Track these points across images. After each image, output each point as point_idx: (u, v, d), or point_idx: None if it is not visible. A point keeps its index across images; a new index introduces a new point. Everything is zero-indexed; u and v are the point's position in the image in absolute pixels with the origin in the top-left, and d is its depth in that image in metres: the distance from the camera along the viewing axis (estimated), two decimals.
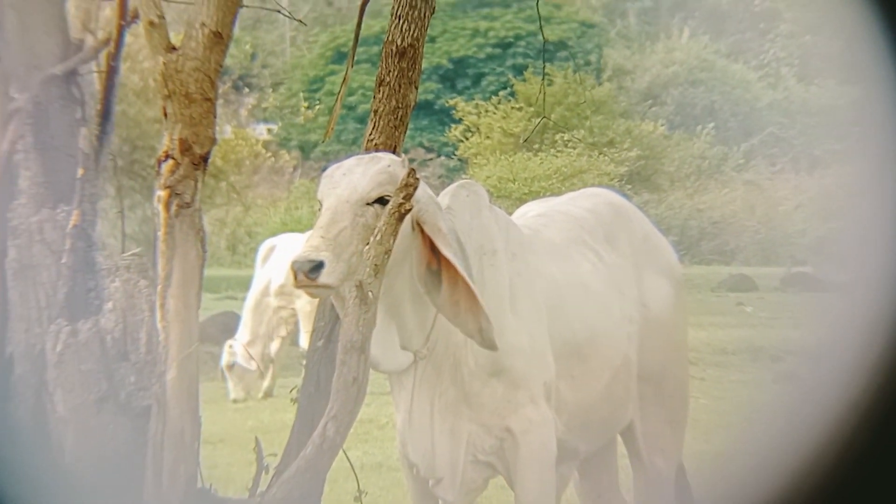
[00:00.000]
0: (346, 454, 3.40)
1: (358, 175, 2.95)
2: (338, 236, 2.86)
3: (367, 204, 2.93)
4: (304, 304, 9.42)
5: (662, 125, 20.12)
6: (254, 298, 9.46)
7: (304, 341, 9.40)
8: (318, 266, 2.81)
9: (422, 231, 2.99)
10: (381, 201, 2.93)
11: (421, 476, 3.14)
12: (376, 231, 2.88)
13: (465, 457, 3.10)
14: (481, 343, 2.97)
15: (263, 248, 9.72)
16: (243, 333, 9.35)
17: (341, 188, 2.93)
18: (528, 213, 3.62)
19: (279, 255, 9.51)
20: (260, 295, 9.45)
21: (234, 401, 9.00)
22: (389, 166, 2.97)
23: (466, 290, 2.93)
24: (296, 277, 2.83)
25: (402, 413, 3.13)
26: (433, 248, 2.98)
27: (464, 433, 3.09)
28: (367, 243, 2.87)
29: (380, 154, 3.09)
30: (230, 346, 9.20)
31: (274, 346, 9.68)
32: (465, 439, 3.09)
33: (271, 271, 9.48)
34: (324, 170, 3.08)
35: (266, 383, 9.45)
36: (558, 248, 3.38)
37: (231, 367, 9.18)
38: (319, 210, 2.98)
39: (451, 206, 3.13)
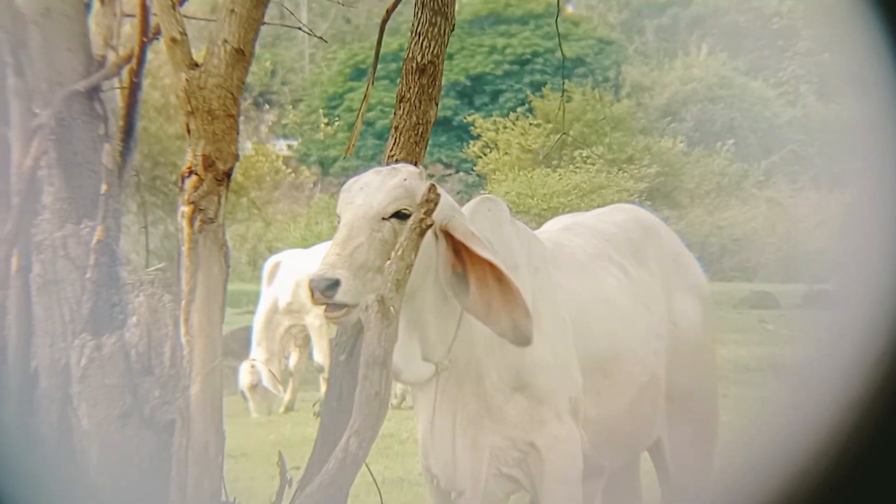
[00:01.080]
0: (368, 468, 3.39)
1: (374, 189, 2.94)
2: (354, 253, 2.85)
3: (384, 219, 2.92)
4: (314, 320, 9.42)
5: (681, 142, 20.11)
6: (264, 316, 9.38)
7: (317, 356, 9.41)
8: (334, 284, 2.81)
9: (447, 238, 2.98)
10: (399, 215, 2.91)
11: (442, 488, 3.12)
12: (398, 246, 2.87)
13: (488, 470, 3.08)
14: (514, 340, 2.94)
15: (269, 265, 9.63)
16: (258, 352, 9.30)
17: (358, 203, 2.93)
18: (554, 227, 3.61)
19: (284, 271, 9.52)
20: (270, 312, 9.42)
21: (257, 420, 8.98)
22: (406, 180, 2.95)
23: (500, 289, 2.91)
24: (313, 295, 2.83)
25: (424, 424, 3.11)
26: (456, 253, 2.97)
27: (486, 446, 3.07)
28: (387, 259, 2.85)
29: (398, 166, 3.08)
30: (252, 367, 9.15)
31: (291, 360, 9.67)
32: (487, 452, 3.07)
33: (278, 289, 9.47)
34: (342, 184, 3.08)
35: (287, 397, 9.45)
36: (582, 263, 3.36)
37: (254, 387, 9.14)
38: (339, 224, 2.98)
39: (473, 220, 3.11)
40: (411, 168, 3.04)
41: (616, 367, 3.30)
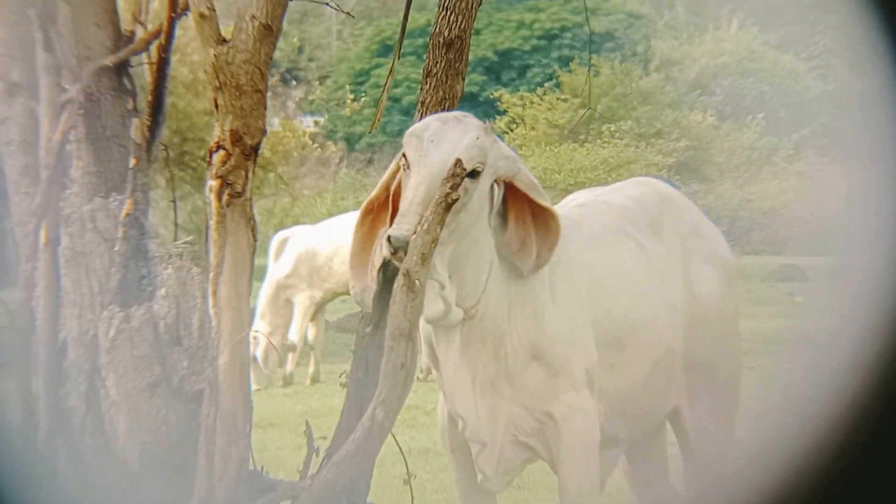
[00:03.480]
0: (395, 438, 3.42)
1: (449, 146, 2.92)
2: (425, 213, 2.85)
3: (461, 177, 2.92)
4: (303, 299, 9.50)
5: (711, 115, 19.97)
6: (270, 290, 9.44)
7: (292, 333, 9.48)
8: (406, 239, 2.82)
9: (507, 188, 3.03)
10: (472, 174, 2.92)
11: (467, 436, 3.10)
12: (423, 220, 2.89)
13: (504, 436, 3.09)
14: (528, 270, 3.04)
15: (276, 241, 9.70)
16: (261, 325, 9.31)
17: (434, 160, 2.90)
18: (570, 203, 3.62)
19: (291, 246, 9.57)
20: (275, 287, 9.47)
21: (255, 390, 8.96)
22: (478, 139, 2.95)
23: (535, 226, 3.02)
24: (394, 253, 2.83)
25: (448, 371, 3.09)
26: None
27: (503, 412, 3.08)
28: (455, 215, 2.86)
29: (462, 116, 3.05)
30: (254, 338, 9.20)
31: (309, 334, 9.69)
32: (504, 419, 3.08)
33: (282, 262, 9.53)
34: (410, 128, 3.01)
35: (311, 369, 9.52)
36: (597, 237, 3.36)
37: (253, 358, 9.18)
38: (405, 167, 2.96)
39: None
40: (477, 122, 3.03)
41: (631, 340, 3.31)
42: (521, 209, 3.04)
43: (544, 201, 3.02)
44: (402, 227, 2.82)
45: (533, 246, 3.02)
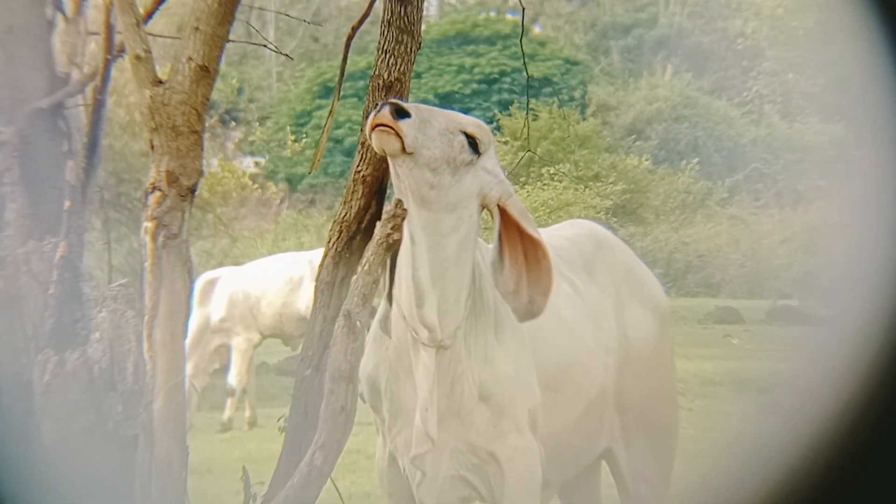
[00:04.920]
0: (334, 483, 3.39)
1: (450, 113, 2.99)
2: (426, 120, 2.86)
3: (461, 131, 2.94)
4: (241, 343, 9.42)
5: (647, 160, 20.23)
6: (196, 332, 9.24)
7: (231, 378, 9.39)
8: (406, 114, 2.81)
9: (501, 215, 2.99)
10: (471, 142, 2.94)
11: (415, 464, 3.05)
12: (364, 261, 2.89)
13: (447, 470, 3.07)
14: (524, 314, 2.99)
15: (201, 282, 9.46)
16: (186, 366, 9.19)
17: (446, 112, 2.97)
18: None
19: (221, 287, 9.48)
20: (201, 329, 9.33)
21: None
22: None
23: (527, 267, 2.97)
24: (379, 111, 2.80)
25: (423, 392, 2.99)
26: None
27: (447, 447, 3.06)
28: (446, 148, 2.86)
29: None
30: None
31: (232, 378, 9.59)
32: (447, 453, 3.06)
33: (214, 305, 9.44)
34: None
35: (248, 413, 9.41)
36: None
37: None
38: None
39: None
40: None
41: (565, 381, 3.31)
42: (514, 247, 2.99)
43: (534, 232, 2.99)
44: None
45: (524, 289, 2.97)
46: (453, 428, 3.06)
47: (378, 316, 3.14)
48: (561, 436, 3.30)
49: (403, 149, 2.82)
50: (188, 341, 9.65)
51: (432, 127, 2.87)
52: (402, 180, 2.93)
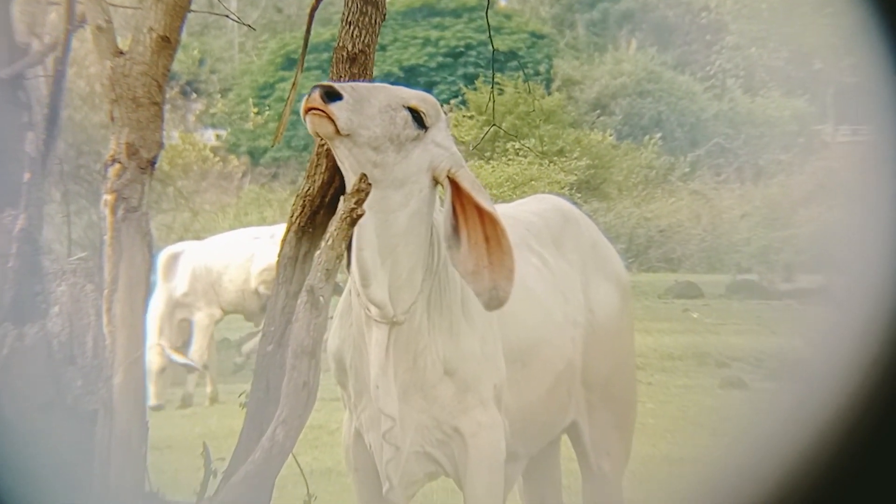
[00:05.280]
0: (295, 459, 3.39)
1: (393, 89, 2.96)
2: (363, 99, 2.83)
3: (404, 106, 2.90)
4: (202, 318, 9.40)
5: (611, 135, 20.31)
6: (164, 306, 9.25)
7: (193, 353, 9.35)
8: (336, 96, 2.79)
9: (452, 187, 2.95)
10: (416, 117, 2.90)
11: (386, 439, 3.02)
12: (327, 236, 2.87)
13: (411, 446, 3.07)
14: (488, 301, 2.93)
15: (164, 256, 9.41)
16: (161, 340, 9.14)
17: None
18: None
19: (184, 262, 9.43)
20: (170, 303, 9.31)
21: (155, 408, 8.66)
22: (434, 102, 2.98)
23: (487, 248, 2.92)
24: (310, 94, 2.79)
25: (376, 370, 2.99)
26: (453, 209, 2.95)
27: (411, 422, 3.05)
28: (387, 126, 2.83)
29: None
30: (161, 350, 9.01)
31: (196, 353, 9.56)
32: (411, 429, 3.06)
33: (176, 281, 9.38)
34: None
35: (209, 389, 9.38)
36: None
37: (162, 371, 9.02)
38: None
39: None
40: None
41: (534, 356, 3.32)
42: (473, 226, 2.95)
43: (488, 205, 2.94)
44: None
45: (486, 272, 2.92)
46: (417, 402, 3.07)
47: (345, 291, 3.13)
48: (529, 409, 3.31)
49: (338, 131, 2.81)
50: (158, 317, 9.65)
51: (371, 105, 2.85)
52: (342, 161, 2.92)
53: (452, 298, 3.09)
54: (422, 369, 3.05)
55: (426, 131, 2.95)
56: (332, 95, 2.79)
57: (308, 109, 2.81)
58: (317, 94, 2.79)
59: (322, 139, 2.90)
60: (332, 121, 2.79)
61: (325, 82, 2.84)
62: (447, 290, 3.08)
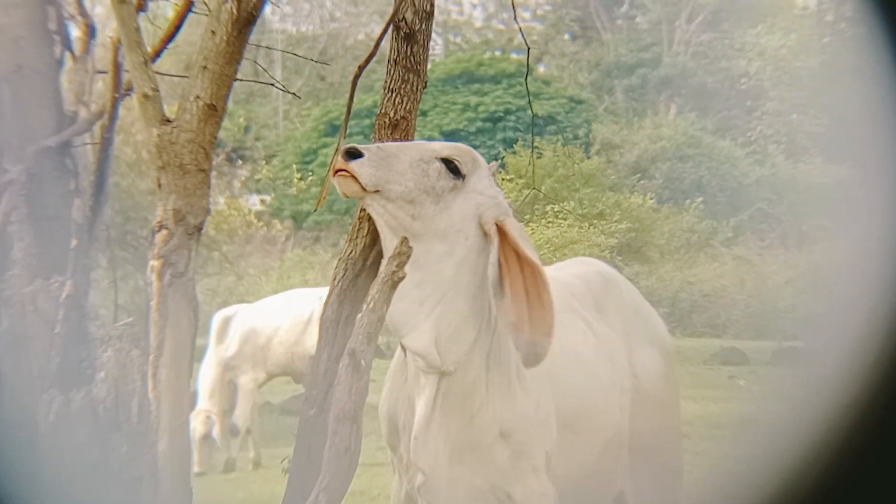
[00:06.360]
0: None
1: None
2: (390, 155, 2.85)
3: (437, 158, 2.92)
4: (247, 381, 9.38)
5: (651, 198, 20.28)
6: (217, 369, 9.26)
7: (236, 417, 9.33)
8: (357, 154, 2.82)
9: (499, 236, 2.92)
10: (451, 166, 2.92)
11: (419, 494, 2.96)
12: (369, 298, 2.87)
13: None
14: (526, 356, 2.87)
15: (218, 319, 9.48)
16: (210, 404, 9.13)
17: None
18: None
19: (235, 325, 9.46)
20: (220, 367, 9.32)
21: (199, 474, 8.57)
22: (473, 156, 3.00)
23: (528, 302, 2.88)
24: (336, 159, 2.84)
25: (420, 422, 2.93)
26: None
27: (463, 483, 3.00)
28: (422, 188, 2.85)
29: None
30: (207, 417, 9.01)
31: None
32: (463, 490, 3.00)
33: (227, 342, 9.41)
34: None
35: (252, 453, 9.34)
36: None
37: (205, 438, 9.00)
38: None
39: None
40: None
41: (584, 422, 3.27)
42: (514, 276, 2.90)
43: (533, 256, 2.90)
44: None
45: (527, 326, 2.87)
46: (471, 464, 3.01)
47: (397, 351, 3.12)
48: (578, 477, 3.25)
49: (363, 188, 2.83)
50: (210, 380, 9.64)
51: (400, 161, 2.87)
52: (378, 219, 2.93)
53: (510, 358, 3.03)
54: (478, 429, 2.99)
55: (464, 180, 2.95)
56: (354, 156, 2.84)
57: (336, 172, 2.85)
58: (340, 156, 2.84)
59: (353, 198, 2.92)
60: (357, 179, 2.82)
61: (350, 144, 2.88)
62: (506, 348, 3.02)
